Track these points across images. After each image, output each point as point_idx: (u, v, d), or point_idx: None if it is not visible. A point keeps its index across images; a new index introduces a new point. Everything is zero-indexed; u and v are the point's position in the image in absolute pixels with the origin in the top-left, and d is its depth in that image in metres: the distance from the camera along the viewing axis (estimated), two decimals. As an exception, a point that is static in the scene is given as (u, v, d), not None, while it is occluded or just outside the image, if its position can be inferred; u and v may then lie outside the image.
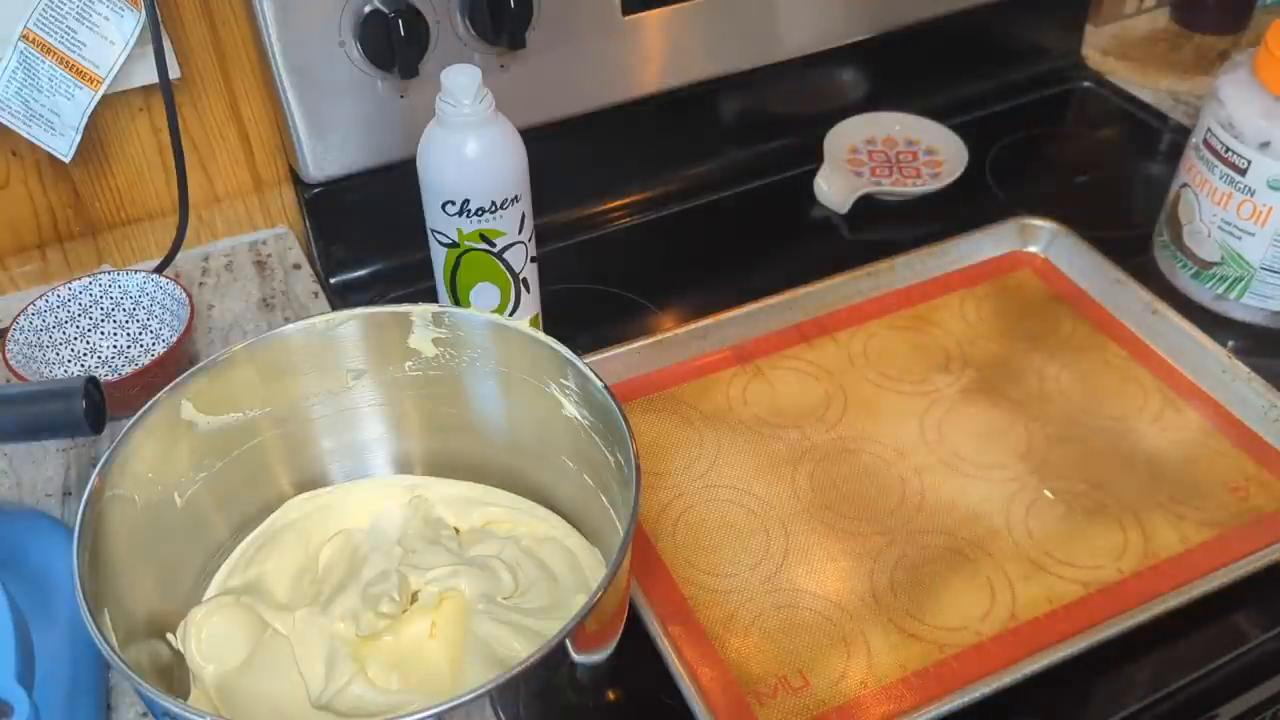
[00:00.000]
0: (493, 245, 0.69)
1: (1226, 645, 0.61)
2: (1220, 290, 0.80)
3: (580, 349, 0.57)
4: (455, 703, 0.43)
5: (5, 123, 0.75)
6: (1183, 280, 0.83)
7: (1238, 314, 0.80)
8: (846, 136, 0.98)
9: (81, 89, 0.75)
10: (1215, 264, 0.79)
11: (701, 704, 0.57)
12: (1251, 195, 0.75)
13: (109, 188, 0.84)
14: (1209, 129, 0.78)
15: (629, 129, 0.92)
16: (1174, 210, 0.83)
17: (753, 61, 0.93)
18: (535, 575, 0.58)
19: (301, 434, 0.63)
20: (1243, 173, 0.75)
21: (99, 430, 0.53)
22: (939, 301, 0.83)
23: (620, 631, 0.54)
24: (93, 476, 0.51)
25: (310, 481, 0.65)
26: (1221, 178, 0.77)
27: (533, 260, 0.73)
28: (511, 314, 0.73)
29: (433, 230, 0.70)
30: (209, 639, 0.55)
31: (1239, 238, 0.77)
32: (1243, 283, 0.79)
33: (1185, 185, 0.81)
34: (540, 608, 0.57)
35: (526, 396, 0.61)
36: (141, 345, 0.78)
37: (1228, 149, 0.76)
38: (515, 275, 0.72)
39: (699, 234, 0.94)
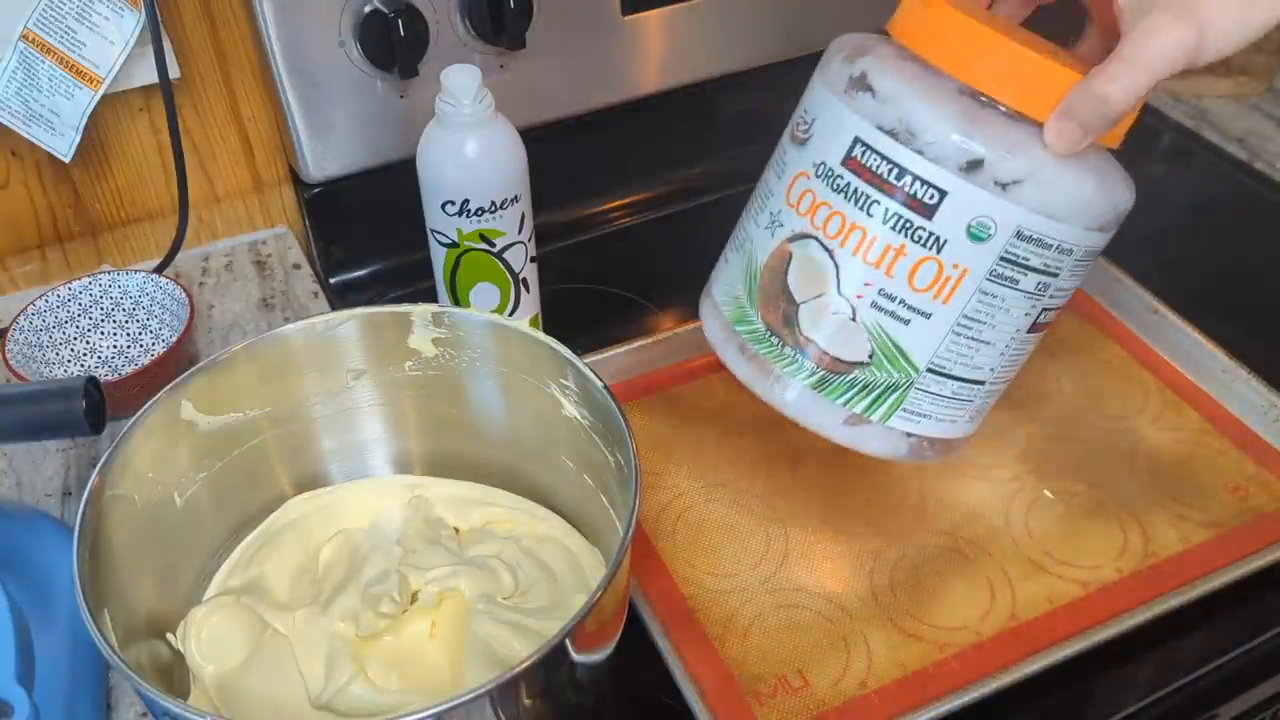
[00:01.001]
0: (492, 245, 0.69)
1: (1226, 645, 0.61)
2: (860, 407, 0.51)
3: (580, 349, 0.57)
4: (455, 703, 0.43)
5: (5, 123, 0.75)
6: (790, 391, 0.52)
7: (873, 444, 0.53)
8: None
9: (81, 89, 0.75)
10: (859, 365, 0.51)
11: (701, 704, 0.57)
12: (938, 250, 0.48)
13: (109, 188, 0.84)
14: (859, 140, 0.49)
15: (629, 129, 0.92)
16: (777, 280, 0.52)
17: (753, 61, 0.93)
18: (535, 575, 0.58)
19: (301, 434, 0.63)
20: (929, 213, 0.47)
21: (99, 430, 0.53)
22: (938, 301, 0.82)
23: (620, 631, 0.54)
24: (93, 476, 0.51)
25: (310, 481, 0.65)
26: (891, 222, 0.48)
27: (532, 260, 0.73)
28: (511, 314, 0.73)
29: (432, 230, 0.70)
30: (209, 639, 0.55)
31: (906, 321, 0.49)
32: (894, 395, 0.51)
33: (804, 236, 0.51)
34: (540, 608, 0.57)
35: (526, 396, 0.61)
36: (141, 345, 0.78)
37: (902, 174, 0.47)
38: (515, 275, 0.72)
39: (699, 234, 0.94)
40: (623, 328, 0.80)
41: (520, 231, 0.70)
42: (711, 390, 0.77)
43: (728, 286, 0.55)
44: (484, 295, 0.72)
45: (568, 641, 0.46)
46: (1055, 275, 0.49)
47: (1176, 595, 0.61)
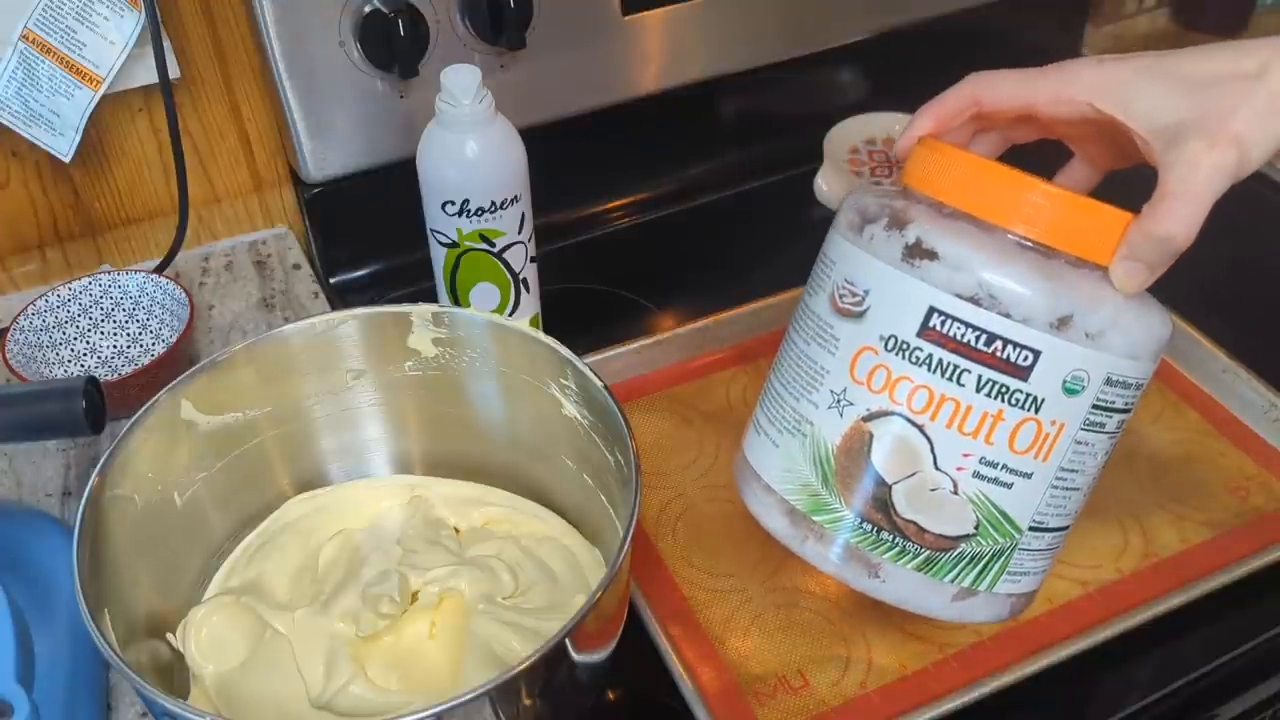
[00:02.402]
0: (492, 245, 0.69)
1: (1226, 645, 0.61)
2: (968, 580, 0.50)
3: (580, 349, 0.57)
4: (455, 703, 0.43)
5: (5, 123, 0.75)
6: (894, 580, 0.50)
7: (979, 614, 0.51)
8: (846, 136, 0.98)
9: (81, 89, 0.75)
10: (965, 537, 0.49)
11: (701, 704, 0.57)
12: (1036, 410, 0.47)
13: (109, 188, 0.84)
14: (935, 310, 0.46)
15: (629, 129, 0.92)
16: (858, 463, 0.49)
17: (753, 61, 0.93)
18: (535, 575, 0.59)
19: (301, 434, 0.63)
20: (1024, 374, 0.46)
21: (99, 430, 0.53)
22: (938, 302, 0.82)
23: (620, 631, 0.54)
24: (93, 476, 0.51)
25: (310, 481, 0.65)
26: (985, 389, 0.47)
27: (533, 260, 0.73)
28: (511, 314, 0.73)
29: (432, 230, 0.70)
30: (209, 639, 0.55)
31: (1009, 485, 0.48)
32: (1000, 560, 0.49)
33: (883, 414, 0.48)
34: (540, 608, 0.57)
35: (526, 396, 0.61)
36: (141, 345, 0.78)
37: (991, 339, 0.46)
38: (515, 275, 0.72)
39: (699, 234, 0.94)
40: (623, 328, 0.80)
41: (520, 231, 0.70)
42: (711, 390, 0.77)
43: (787, 473, 0.51)
44: (484, 295, 0.72)
45: (568, 641, 0.46)
46: (1128, 411, 0.50)
47: (1176, 595, 0.61)
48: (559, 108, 0.87)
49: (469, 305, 0.72)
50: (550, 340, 0.58)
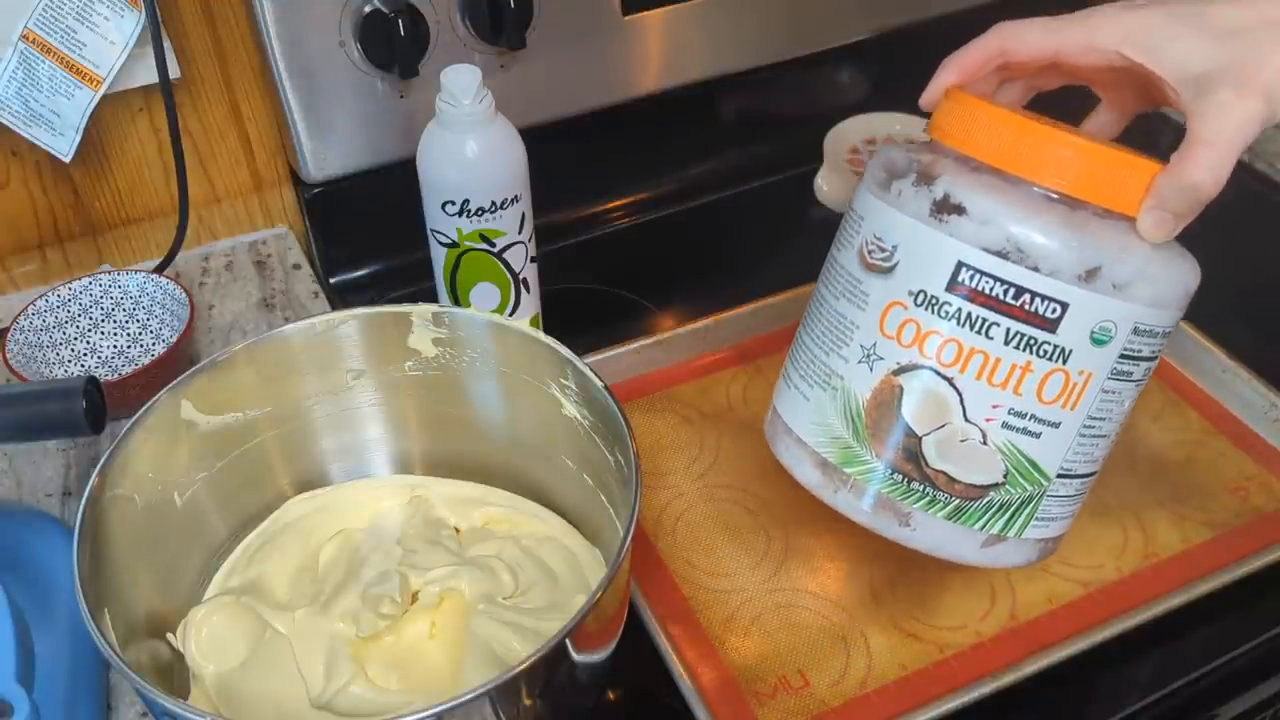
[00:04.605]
0: (493, 245, 0.69)
1: (1226, 645, 0.61)
2: (997, 527, 0.51)
3: (580, 349, 0.57)
4: (455, 703, 0.43)
5: (5, 123, 0.75)
6: (924, 527, 0.51)
7: (1008, 559, 0.53)
8: (846, 136, 0.98)
9: (81, 89, 0.75)
10: (994, 486, 0.50)
11: (701, 704, 0.57)
12: (1064, 361, 0.47)
13: (109, 188, 0.84)
14: (963, 265, 0.47)
15: (629, 129, 0.92)
16: (889, 415, 0.50)
17: (753, 61, 0.93)
18: (535, 575, 0.59)
19: (301, 434, 0.63)
20: (1052, 326, 0.47)
21: (99, 430, 0.53)
22: (939, 302, 0.82)
23: (620, 631, 0.54)
24: (93, 476, 0.51)
25: (310, 481, 0.65)
26: (1013, 342, 0.47)
27: (533, 260, 0.73)
28: (511, 314, 0.73)
29: (433, 230, 0.70)
30: (209, 639, 0.55)
31: (1037, 435, 0.49)
32: (1028, 507, 0.50)
33: (913, 368, 0.49)
34: (540, 608, 0.57)
35: (526, 396, 0.61)
36: (141, 345, 0.78)
37: (1020, 292, 0.46)
38: (515, 275, 0.72)
39: (699, 234, 0.94)
40: (623, 328, 0.80)
41: (520, 231, 0.70)
42: (711, 390, 0.77)
43: (818, 426, 0.52)
44: (484, 295, 0.72)
45: (568, 641, 0.46)
46: (1155, 359, 0.50)
47: (1176, 595, 0.61)
48: (559, 108, 0.87)
49: (469, 305, 0.72)
50: (550, 340, 0.58)
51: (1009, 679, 0.58)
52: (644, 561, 0.65)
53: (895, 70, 1.00)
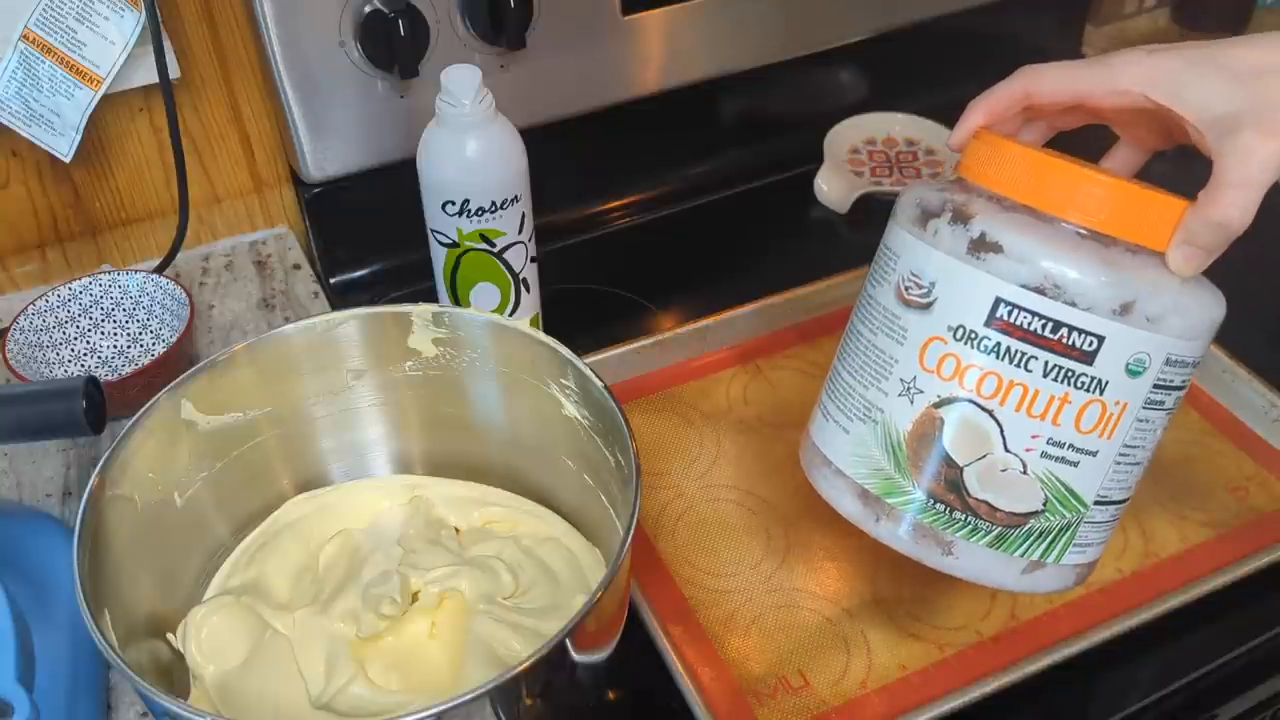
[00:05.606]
0: (493, 245, 0.69)
1: (1226, 645, 0.61)
2: (1037, 554, 0.51)
3: (580, 349, 0.57)
4: (455, 703, 0.43)
5: (5, 123, 0.75)
6: (966, 555, 0.51)
7: (1046, 585, 0.53)
8: (846, 136, 0.98)
9: (81, 89, 0.75)
10: (1034, 514, 0.51)
11: (701, 704, 0.57)
12: (1101, 392, 0.49)
13: (109, 188, 0.84)
14: (1002, 300, 0.48)
15: (629, 129, 0.92)
16: (929, 447, 0.51)
17: (752, 61, 0.93)
18: (535, 575, 0.59)
19: (301, 434, 0.63)
20: (1089, 359, 0.48)
21: (99, 430, 0.53)
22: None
23: (620, 631, 0.54)
24: (93, 476, 0.51)
25: (310, 481, 0.65)
26: (1051, 374, 0.48)
27: (533, 260, 0.73)
28: (511, 314, 0.73)
29: (433, 230, 0.70)
30: (209, 639, 0.55)
31: (1075, 464, 0.50)
32: (1067, 534, 0.51)
33: (953, 400, 0.50)
34: (540, 608, 0.57)
35: (526, 396, 0.61)
36: (141, 345, 0.78)
37: (1057, 327, 0.48)
38: (515, 275, 0.72)
39: (699, 234, 0.94)
40: (623, 328, 0.80)
41: (520, 231, 0.70)
42: (711, 390, 0.77)
43: (859, 459, 0.53)
44: (484, 295, 0.72)
45: (568, 641, 0.46)
46: (1184, 388, 0.51)
47: (1176, 595, 0.61)
48: (559, 108, 0.87)
49: (469, 305, 0.72)
50: (550, 340, 0.58)
51: (1009, 679, 0.58)
52: (644, 561, 0.65)
53: (895, 70, 1.00)
